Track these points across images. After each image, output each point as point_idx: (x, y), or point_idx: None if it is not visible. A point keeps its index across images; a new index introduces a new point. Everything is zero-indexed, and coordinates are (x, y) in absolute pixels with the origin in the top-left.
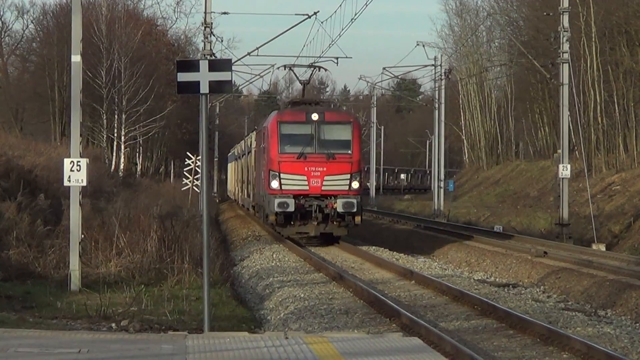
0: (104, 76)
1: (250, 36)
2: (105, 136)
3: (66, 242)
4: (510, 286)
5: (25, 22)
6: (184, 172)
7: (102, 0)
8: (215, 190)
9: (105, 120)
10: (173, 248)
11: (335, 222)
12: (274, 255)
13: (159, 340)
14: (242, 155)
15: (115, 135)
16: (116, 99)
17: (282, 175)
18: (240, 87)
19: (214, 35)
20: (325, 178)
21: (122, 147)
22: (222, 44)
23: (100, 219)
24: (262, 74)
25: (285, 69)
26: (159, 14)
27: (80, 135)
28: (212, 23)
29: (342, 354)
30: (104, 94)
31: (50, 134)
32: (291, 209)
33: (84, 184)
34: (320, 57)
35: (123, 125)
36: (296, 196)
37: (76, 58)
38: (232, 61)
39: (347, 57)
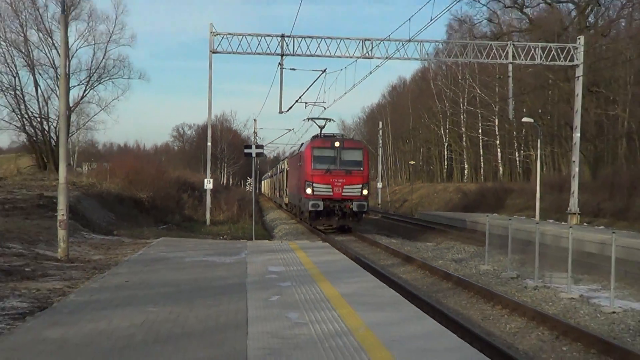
0: (218, 151)
1: (269, 134)
2: (219, 171)
3: (204, 208)
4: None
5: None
6: (247, 184)
7: (218, 123)
8: (257, 190)
9: (219, 166)
10: (242, 210)
11: (350, 218)
12: (277, 214)
13: (237, 242)
14: (275, 175)
15: (224, 172)
16: (223, 159)
17: (314, 185)
18: (266, 155)
19: (256, 135)
20: (345, 187)
21: (225, 175)
22: (259, 138)
23: (217, 200)
24: (273, 149)
25: (308, 121)
26: (239, 127)
27: (210, 170)
28: (256, 131)
29: (300, 248)
30: (218, 157)
31: (200, 171)
32: (320, 208)
33: (211, 187)
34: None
35: (225, 168)
36: (324, 199)
37: (209, 144)
38: (263, 145)
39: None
